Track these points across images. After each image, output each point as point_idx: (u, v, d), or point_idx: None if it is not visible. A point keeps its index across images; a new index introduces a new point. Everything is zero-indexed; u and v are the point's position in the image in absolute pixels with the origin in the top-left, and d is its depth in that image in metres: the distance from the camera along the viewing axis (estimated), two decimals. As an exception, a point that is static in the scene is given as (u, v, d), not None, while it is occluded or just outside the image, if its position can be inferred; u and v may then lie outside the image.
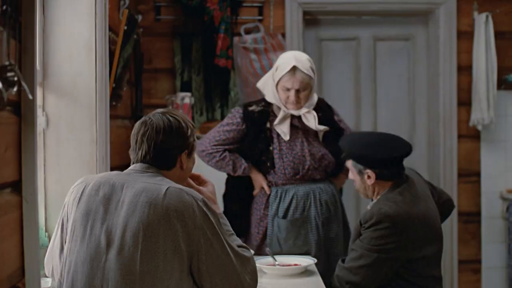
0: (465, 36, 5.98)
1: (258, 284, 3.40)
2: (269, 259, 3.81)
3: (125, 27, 4.43)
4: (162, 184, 2.62)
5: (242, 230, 4.35)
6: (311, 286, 3.45)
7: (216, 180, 4.57)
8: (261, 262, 3.73)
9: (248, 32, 5.80)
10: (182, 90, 5.71)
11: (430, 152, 6.19)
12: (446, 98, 5.99)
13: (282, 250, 4.20)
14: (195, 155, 2.94)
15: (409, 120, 6.23)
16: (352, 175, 3.78)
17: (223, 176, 4.51)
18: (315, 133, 4.32)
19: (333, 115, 4.44)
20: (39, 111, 3.54)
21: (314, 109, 4.31)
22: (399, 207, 3.53)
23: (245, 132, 4.30)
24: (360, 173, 3.70)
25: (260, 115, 4.30)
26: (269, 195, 4.31)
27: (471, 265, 6.07)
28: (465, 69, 5.99)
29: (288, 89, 4.20)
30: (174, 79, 5.80)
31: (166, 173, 2.76)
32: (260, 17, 5.83)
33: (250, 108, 4.33)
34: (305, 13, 5.95)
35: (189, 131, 2.82)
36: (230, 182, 4.49)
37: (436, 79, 6.06)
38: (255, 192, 4.37)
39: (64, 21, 3.62)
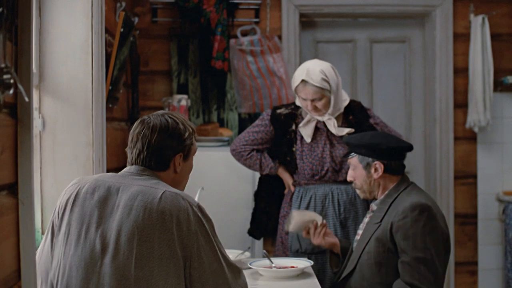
0: (461, 38, 5.99)
1: (255, 286, 3.41)
2: (265, 261, 3.80)
3: (122, 29, 4.43)
4: (158, 188, 2.60)
5: (270, 227, 4.63)
6: (308, 288, 3.45)
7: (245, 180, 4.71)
8: (258, 264, 3.73)
9: (244, 34, 5.80)
10: (179, 92, 5.71)
11: (426, 154, 6.19)
12: (443, 100, 5.99)
13: (301, 248, 4.32)
14: (193, 160, 2.91)
15: (405, 122, 6.23)
16: (354, 173, 3.77)
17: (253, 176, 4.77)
18: (341, 136, 4.38)
19: (369, 118, 4.51)
20: (35, 114, 3.53)
21: (346, 112, 4.45)
22: (428, 199, 3.59)
23: (273, 133, 4.51)
24: (367, 166, 3.70)
25: (286, 118, 4.47)
26: (293, 193, 4.45)
27: (467, 266, 6.07)
28: (461, 71, 5.99)
29: (304, 99, 4.33)
30: (170, 81, 5.80)
31: (160, 175, 2.74)
32: (256, 19, 5.83)
33: (278, 111, 4.52)
34: (301, 15, 5.95)
35: (187, 133, 2.79)
36: (262, 181, 4.71)
37: (432, 81, 6.06)
38: (286, 190, 4.56)
39: (60, 23, 3.62)
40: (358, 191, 3.82)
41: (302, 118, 4.44)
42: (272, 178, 4.61)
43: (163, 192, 2.58)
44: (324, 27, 6.17)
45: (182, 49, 5.75)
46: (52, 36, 3.62)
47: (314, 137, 4.39)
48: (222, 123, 5.73)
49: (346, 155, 3.88)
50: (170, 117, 2.79)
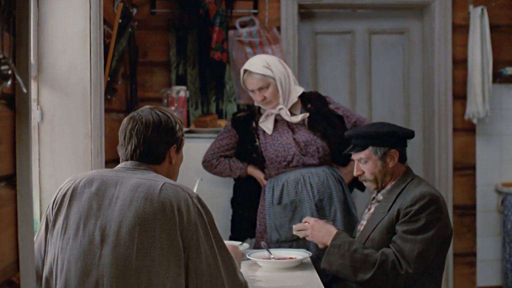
0: (460, 29, 5.98)
1: (253, 277, 3.42)
2: (264, 252, 3.81)
3: (120, 20, 4.42)
4: (157, 180, 2.63)
5: (252, 232, 4.62)
6: (306, 280, 3.44)
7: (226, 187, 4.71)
8: (256, 256, 3.74)
9: (243, 25, 5.80)
10: (177, 83, 5.71)
11: (425, 146, 6.20)
12: (441, 91, 5.99)
13: (281, 237, 4.32)
14: (183, 154, 2.95)
15: (404, 114, 6.23)
16: (366, 166, 3.74)
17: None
18: (302, 122, 4.46)
19: (327, 104, 4.55)
20: (33, 105, 3.53)
21: (304, 102, 4.52)
22: (437, 192, 3.60)
23: (237, 137, 4.58)
24: (383, 156, 3.69)
25: (246, 118, 4.58)
26: (265, 186, 4.48)
27: (466, 258, 6.08)
28: (460, 62, 5.99)
29: (252, 91, 4.44)
30: (169, 73, 5.79)
31: (155, 168, 2.77)
32: (255, 11, 5.82)
33: (238, 115, 4.64)
34: (300, 6, 5.94)
35: (177, 126, 2.84)
36: (237, 187, 4.74)
37: (431, 72, 6.06)
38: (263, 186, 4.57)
39: (58, 15, 3.61)
40: (367, 183, 3.80)
41: (261, 115, 4.53)
42: (246, 183, 4.65)
43: (163, 183, 2.60)
44: (323, 19, 6.16)
45: (180, 40, 5.75)
46: (50, 27, 3.61)
47: (276, 129, 4.47)
48: (220, 114, 5.73)
49: (351, 150, 3.82)
50: (160, 111, 2.82)
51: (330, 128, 4.43)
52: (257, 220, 4.49)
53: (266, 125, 4.46)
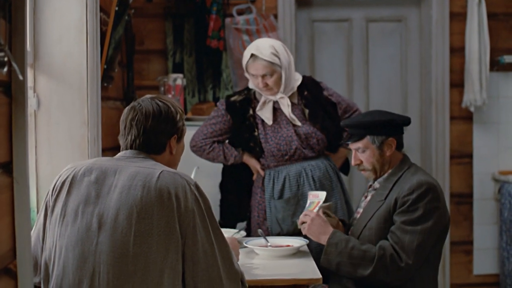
0: (457, 17, 5.97)
1: (250, 264, 3.42)
2: (261, 240, 3.81)
3: (116, 8, 4.41)
4: (155, 168, 2.63)
5: (242, 216, 4.56)
6: (304, 267, 3.44)
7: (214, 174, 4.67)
8: (253, 243, 3.73)
9: (240, 13, 5.78)
10: (174, 71, 5.70)
11: (422, 134, 6.20)
12: (439, 79, 5.99)
13: (283, 230, 4.30)
14: (184, 143, 2.94)
15: (401, 102, 6.23)
16: (364, 155, 3.73)
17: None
18: (301, 113, 4.39)
19: (322, 91, 4.48)
20: (30, 93, 3.52)
21: (300, 88, 4.42)
22: (434, 180, 3.61)
23: (230, 122, 4.43)
24: (381, 145, 3.68)
25: (242, 104, 4.42)
26: (264, 178, 4.40)
27: (463, 246, 6.09)
28: (457, 50, 5.98)
29: (254, 76, 4.31)
30: (166, 61, 5.78)
31: (156, 158, 2.77)
32: (252, -2, 5.82)
33: (232, 99, 4.46)
34: (297, -6, 5.94)
35: (178, 115, 2.83)
36: (226, 171, 4.62)
37: (428, 60, 6.05)
38: (254, 176, 4.48)
39: (54, 2, 3.60)
40: (367, 173, 3.79)
41: (258, 102, 4.41)
42: (236, 168, 4.54)
43: (161, 171, 2.61)
44: (320, 6, 6.14)
45: (177, 28, 5.73)
46: (46, 14, 3.60)
47: (275, 118, 4.37)
48: (217, 102, 5.71)
49: (348, 140, 3.81)
50: (160, 101, 2.82)
51: (328, 120, 4.38)
52: (254, 211, 4.43)
53: (265, 114, 4.36)
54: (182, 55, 5.74)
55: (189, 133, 4.76)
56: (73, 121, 3.64)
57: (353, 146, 3.76)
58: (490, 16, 5.88)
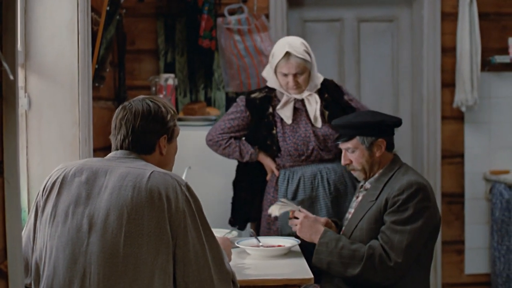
0: (449, 17, 5.98)
1: (242, 264, 3.41)
2: (253, 240, 3.81)
3: (108, 8, 4.40)
4: (146, 169, 2.62)
5: (253, 215, 4.54)
6: (295, 267, 3.44)
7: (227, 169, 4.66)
8: (245, 243, 3.73)
9: (231, 13, 5.78)
10: (166, 71, 5.69)
11: (414, 134, 6.20)
12: (430, 79, 5.99)
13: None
14: (177, 142, 2.94)
15: (393, 102, 6.23)
16: (353, 155, 3.74)
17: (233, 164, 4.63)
18: (320, 114, 4.36)
19: (343, 95, 4.48)
20: (21, 93, 3.51)
21: (321, 90, 4.40)
22: (425, 180, 3.62)
23: (249, 119, 4.41)
24: (370, 146, 3.68)
25: (262, 101, 4.40)
26: (278, 177, 4.39)
27: (454, 246, 6.10)
28: (449, 50, 5.99)
29: (285, 75, 4.28)
30: (157, 60, 5.77)
31: (146, 158, 2.76)
32: (244, -2, 5.81)
33: (253, 95, 4.44)
34: (289, -6, 5.94)
35: (169, 116, 2.82)
36: (241, 169, 4.60)
37: (420, 60, 6.06)
38: (268, 176, 4.47)
39: (46, 2, 3.59)
40: (356, 173, 3.80)
41: (278, 100, 4.39)
42: (250, 166, 4.51)
43: (152, 171, 2.60)
44: (312, 6, 6.15)
45: (169, 28, 5.73)
46: (37, 14, 3.59)
47: (294, 118, 4.35)
48: (209, 102, 5.72)
49: (338, 139, 3.82)
50: (151, 101, 2.81)
51: None
52: (266, 210, 4.37)
53: (285, 113, 4.34)
54: (173, 55, 5.74)
55: (182, 133, 4.76)
56: (64, 121, 3.63)
57: (343, 146, 3.77)
58: (482, 16, 5.89)
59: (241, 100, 4.46)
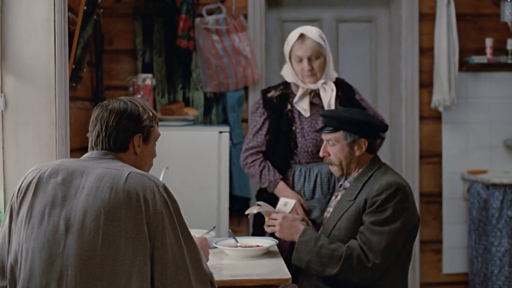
0: (427, 18, 6.01)
1: (220, 265, 3.41)
2: (231, 240, 3.80)
3: (85, 8, 4.38)
4: (123, 170, 2.61)
5: None
6: (273, 267, 3.45)
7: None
8: (223, 244, 3.73)
9: (210, 13, 5.77)
10: (144, 71, 5.67)
11: (392, 134, 6.22)
12: (408, 79, 6.01)
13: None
14: (155, 146, 2.93)
15: (371, 102, 6.22)
16: (333, 149, 3.73)
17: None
18: (334, 106, 4.33)
19: (355, 94, 4.50)
20: (-3, 93, 3.49)
21: (336, 88, 4.37)
22: (403, 180, 3.63)
23: (269, 120, 4.36)
24: (352, 143, 3.68)
25: (279, 99, 4.37)
26: (294, 174, 4.34)
27: (432, 245, 6.12)
28: (427, 51, 6.01)
29: (300, 59, 4.27)
30: (135, 61, 5.75)
31: (121, 157, 2.75)
32: (222, -2, 5.81)
33: (269, 95, 4.40)
34: (267, -6, 5.94)
35: (146, 115, 2.81)
36: None
37: (398, 60, 6.08)
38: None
39: (22, 1, 3.57)
40: (333, 168, 3.79)
41: (295, 96, 4.35)
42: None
43: (129, 173, 2.59)
44: (290, 7, 6.15)
45: (147, 28, 5.71)
46: (13, 14, 3.57)
47: (311, 114, 4.32)
48: (187, 102, 5.71)
49: (322, 129, 3.80)
50: (130, 101, 2.81)
51: None
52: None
53: (302, 105, 4.31)
54: (151, 55, 5.72)
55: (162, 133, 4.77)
56: (41, 121, 3.61)
57: (325, 137, 3.76)
58: (459, 16, 5.92)
59: (257, 103, 4.43)
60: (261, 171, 4.32)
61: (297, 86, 4.35)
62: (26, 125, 3.60)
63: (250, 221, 5.74)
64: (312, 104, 4.34)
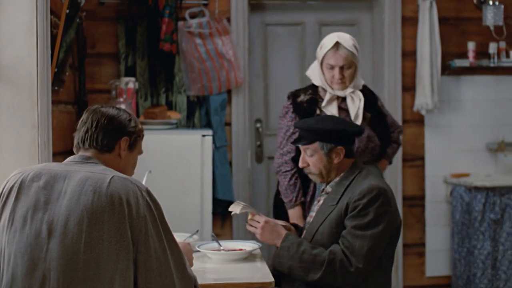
0: (409, 21, 6.03)
1: (203, 269, 3.40)
2: (214, 244, 3.79)
3: (68, 11, 4.37)
4: (106, 174, 2.61)
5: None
6: (256, 271, 3.45)
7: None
8: (206, 247, 3.72)
9: (193, 16, 5.77)
10: (126, 75, 5.65)
11: (375, 137, 6.23)
12: (391, 83, 6.03)
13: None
14: (137, 157, 2.94)
15: (354, 105, 6.25)
16: (311, 159, 3.74)
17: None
18: (362, 116, 4.34)
19: (377, 101, 4.51)
20: (-22, 96, 3.47)
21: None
22: (385, 184, 3.63)
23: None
24: (329, 152, 3.67)
25: (309, 104, 4.35)
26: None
27: (415, 248, 6.14)
28: (409, 54, 6.03)
29: (332, 67, 4.25)
30: (118, 64, 5.74)
31: (104, 159, 2.75)
32: (205, 1, 5.79)
33: (299, 100, 4.38)
34: (250, -3, 5.94)
35: (133, 123, 2.85)
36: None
37: (381, 64, 6.09)
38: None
39: (4, 4, 3.55)
40: (313, 177, 3.80)
41: (323, 100, 4.35)
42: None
43: (112, 176, 2.59)
44: (273, 10, 6.15)
45: (129, 31, 5.70)
46: (-5, 17, 3.55)
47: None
48: (170, 106, 5.70)
49: (298, 141, 3.81)
50: (122, 110, 2.86)
51: (384, 129, 4.39)
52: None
53: (331, 110, 4.29)
54: (134, 58, 5.71)
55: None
56: (23, 125, 3.59)
57: (302, 148, 3.77)
58: (441, 20, 5.95)
59: (287, 107, 4.41)
60: (288, 186, 4.35)
61: (325, 90, 4.35)
62: (8, 128, 3.58)
63: (234, 223, 5.74)
64: (340, 108, 4.34)
